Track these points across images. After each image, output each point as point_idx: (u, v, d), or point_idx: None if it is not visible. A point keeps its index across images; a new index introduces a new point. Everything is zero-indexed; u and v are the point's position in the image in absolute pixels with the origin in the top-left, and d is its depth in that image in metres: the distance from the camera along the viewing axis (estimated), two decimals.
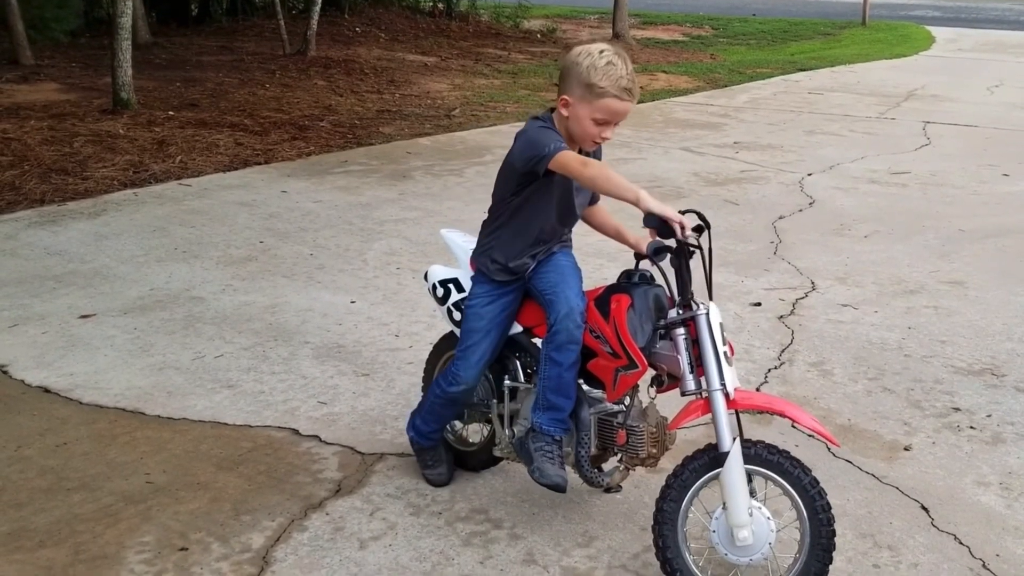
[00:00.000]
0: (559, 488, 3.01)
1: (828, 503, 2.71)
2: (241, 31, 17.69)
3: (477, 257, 3.23)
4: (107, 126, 9.34)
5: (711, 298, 2.87)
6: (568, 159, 2.84)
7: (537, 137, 2.91)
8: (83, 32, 15.83)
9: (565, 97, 2.91)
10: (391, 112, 11.07)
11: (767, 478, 2.76)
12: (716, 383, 2.71)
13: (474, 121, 10.76)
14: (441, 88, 12.83)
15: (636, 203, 2.71)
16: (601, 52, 2.86)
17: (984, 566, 3.04)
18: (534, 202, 3.05)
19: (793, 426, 3.78)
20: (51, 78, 12.12)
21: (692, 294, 2.80)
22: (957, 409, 4.11)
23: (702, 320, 2.74)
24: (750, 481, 2.75)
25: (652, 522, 2.86)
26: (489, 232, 3.20)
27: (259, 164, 8.39)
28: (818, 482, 2.72)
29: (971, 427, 3.95)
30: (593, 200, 3.27)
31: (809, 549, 2.71)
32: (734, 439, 2.70)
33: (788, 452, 2.75)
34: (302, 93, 11.94)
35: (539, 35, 20.32)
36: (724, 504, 2.73)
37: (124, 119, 9.64)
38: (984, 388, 4.31)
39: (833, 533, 2.71)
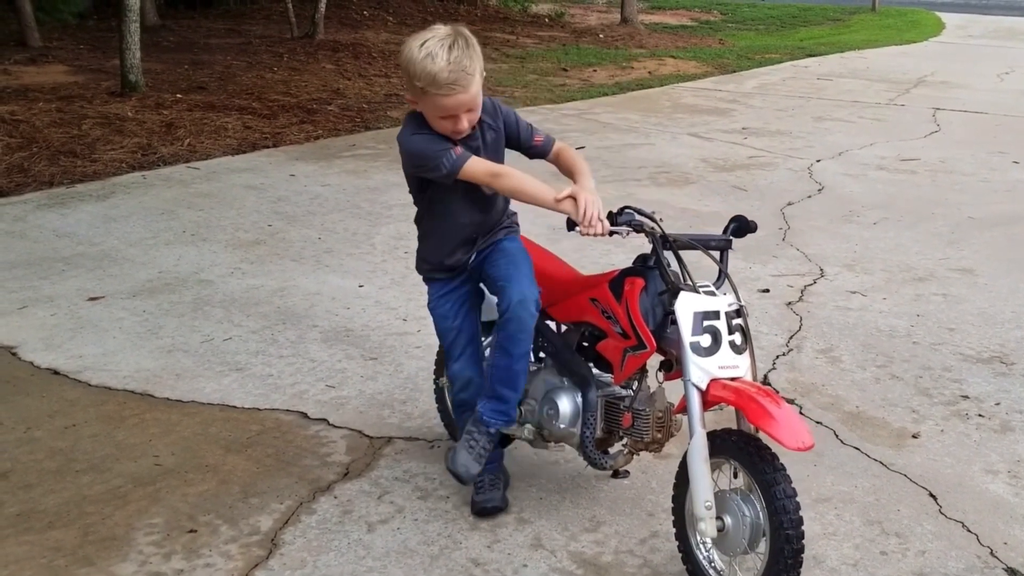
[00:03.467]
0: (461, 480, 3.03)
1: (792, 504, 2.55)
2: (249, 14, 17.67)
3: (416, 262, 3.18)
4: (115, 108, 9.34)
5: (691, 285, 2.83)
6: (475, 171, 2.77)
7: (422, 148, 2.80)
8: (91, 14, 15.82)
9: (410, 97, 2.80)
10: (399, 96, 11.03)
11: (737, 469, 2.71)
12: (684, 374, 2.70)
13: None
14: None
15: (553, 208, 2.73)
16: (422, 45, 2.69)
17: (992, 554, 3.04)
18: (443, 199, 2.95)
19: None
20: (59, 60, 12.12)
21: (677, 281, 2.79)
22: (966, 397, 4.10)
23: (676, 310, 2.73)
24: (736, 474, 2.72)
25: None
26: (418, 235, 3.14)
27: (267, 147, 8.38)
28: (784, 479, 2.56)
29: (980, 415, 3.94)
30: (541, 153, 3.06)
31: (770, 551, 2.59)
32: (702, 429, 2.67)
33: (760, 442, 2.65)
34: (310, 76, 11.92)
35: (547, 19, 20.25)
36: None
37: (132, 101, 9.63)
38: (993, 376, 4.30)
39: (793, 537, 2.54)
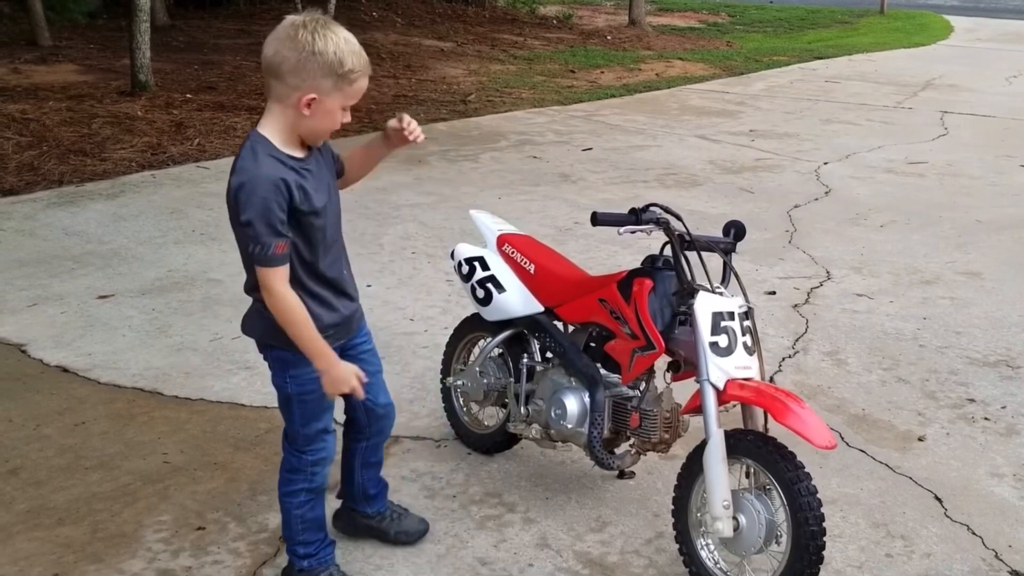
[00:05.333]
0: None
1: (815, 501, 2.57)
2: (258, 14, 17.68)
3: (273, 332, 2.67)
4: (125, 108, 9.37)
5: (714, 286, 2.85)
6: (270, 281, 2.53)
7: (261, 209, 2.43)
8: (101, 13, 15.85)
9: (312, 96, 2.40)
10: (407, 97, 11.07)
11: (756, 470, 2.72)
12: (702, 374, 2.70)
13: (490, 107, 10.74)
14: (457, 73, 12.81)
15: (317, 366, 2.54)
16: (326, 33, 2.38)
17: (996, 556, 3.04)
18: (305, 242, 2.62)
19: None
20: (69, 59, 12.15)
21: (693, 281, 2.80)
22: (972, 400, 4.10)
23: (694, 309, 2.74)
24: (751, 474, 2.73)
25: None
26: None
27: None
28: (805, 477, 2.59)
29: (985, 418, 3.95)
30: (342, 166, 2.87)
31: (792, 548, 2.61)
32: (719, 429, 2.68)
33: (777, 442, 2.66)
34: None
35: (555, 21, 20.24)
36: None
37: (142, 101, 9.67)
38: (999, 379, 4.30)
39: (817, 534, 2.57)
